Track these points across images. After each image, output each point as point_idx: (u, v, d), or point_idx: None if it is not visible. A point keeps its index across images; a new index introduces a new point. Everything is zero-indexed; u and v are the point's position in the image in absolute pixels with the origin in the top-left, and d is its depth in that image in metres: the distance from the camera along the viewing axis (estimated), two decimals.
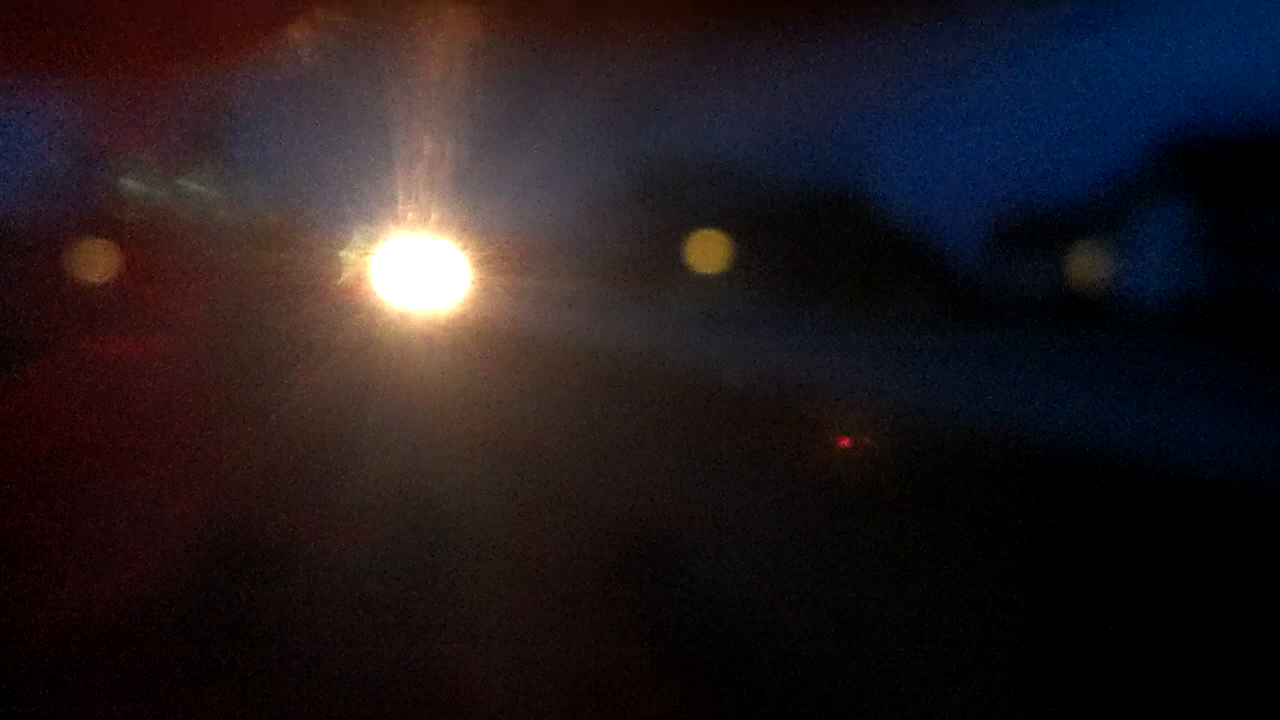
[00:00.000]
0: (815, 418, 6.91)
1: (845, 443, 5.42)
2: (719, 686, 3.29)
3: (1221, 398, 9.56)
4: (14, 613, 3.21)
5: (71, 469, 4.78)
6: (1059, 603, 3.65)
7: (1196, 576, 3.66)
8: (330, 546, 3.85)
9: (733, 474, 5.05)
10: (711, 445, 5.75)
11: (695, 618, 3.66)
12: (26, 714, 2.81)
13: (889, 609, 3.59)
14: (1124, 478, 4.94)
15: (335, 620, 3.10)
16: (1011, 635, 3.51)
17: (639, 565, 3.87)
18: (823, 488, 4.75)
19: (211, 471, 4.98)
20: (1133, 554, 4.05)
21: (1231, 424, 6.62)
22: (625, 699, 3.06)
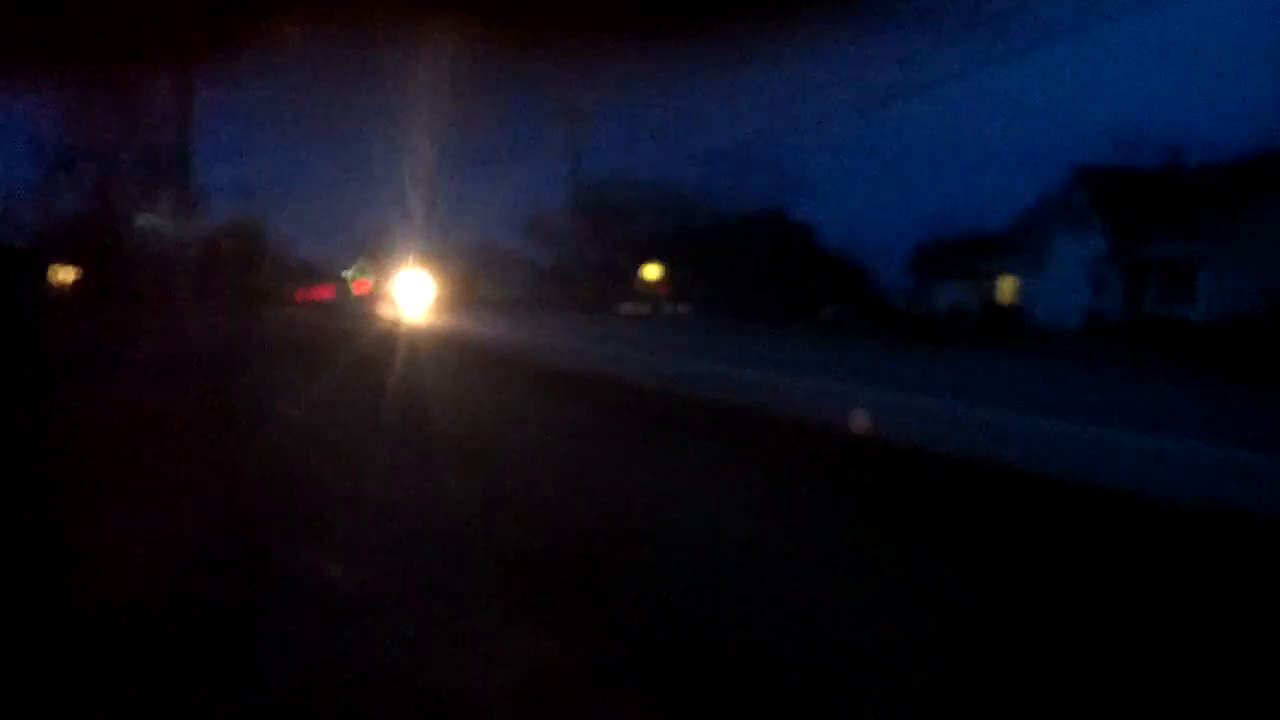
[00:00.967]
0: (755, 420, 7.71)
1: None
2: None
3: (1123, 412, 10.38)
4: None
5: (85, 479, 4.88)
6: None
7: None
8: (312, 545, 4.05)
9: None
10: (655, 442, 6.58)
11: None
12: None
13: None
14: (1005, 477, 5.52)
15: (315, 618, 3.26)
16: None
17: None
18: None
19: (208, 481, 5.13)
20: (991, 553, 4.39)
21: (1129, 436, 7.36)
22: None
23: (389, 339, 16.08)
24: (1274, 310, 22.62)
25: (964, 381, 12.41)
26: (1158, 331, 27.80)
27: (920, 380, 12.36)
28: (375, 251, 70.54)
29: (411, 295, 28.55)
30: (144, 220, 38.67)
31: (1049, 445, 7.20)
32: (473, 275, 40.37)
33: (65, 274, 43.23)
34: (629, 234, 54.66)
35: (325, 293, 69.58)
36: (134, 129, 39.58)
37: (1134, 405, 10.25)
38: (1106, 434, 7.84)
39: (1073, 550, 4.24)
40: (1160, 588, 3.71)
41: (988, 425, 8.32)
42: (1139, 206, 32.83)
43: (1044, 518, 4.82)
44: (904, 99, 27.66)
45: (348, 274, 68.23)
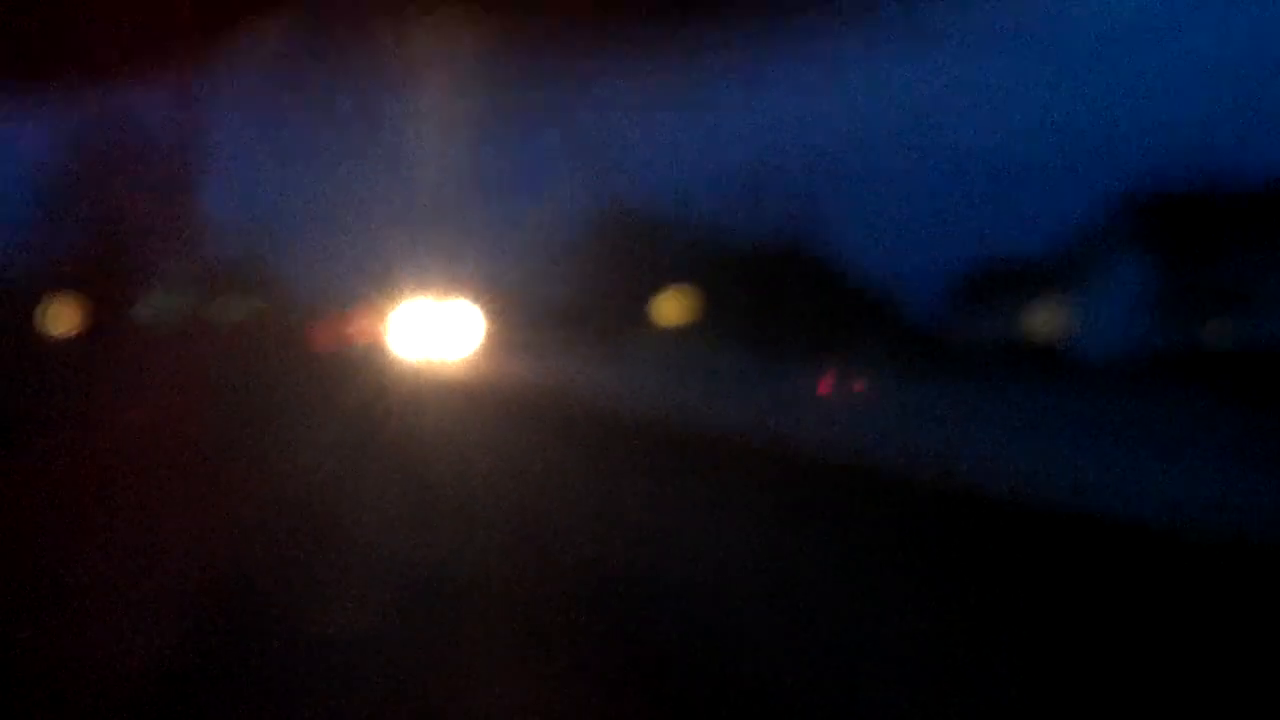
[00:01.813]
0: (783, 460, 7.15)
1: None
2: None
3: (1180, 444, 9.96)
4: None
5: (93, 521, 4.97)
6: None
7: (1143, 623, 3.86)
8: (331, 592, 3.96)
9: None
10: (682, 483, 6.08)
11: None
12: None
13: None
14: (1057, 517, 5.25)
15: (333, 661, 3.14)
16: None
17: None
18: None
19: (221, 524, 5.19)
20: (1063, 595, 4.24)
21: (1188, 470, 6.97)
22: None
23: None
24: None
25: (1003, 415, 12.44)
26: (1215, 363, 27.67)
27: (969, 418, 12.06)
28: (401, 284, 70.97)
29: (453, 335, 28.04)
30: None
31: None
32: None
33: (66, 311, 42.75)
34: (649, 261, 53.90)
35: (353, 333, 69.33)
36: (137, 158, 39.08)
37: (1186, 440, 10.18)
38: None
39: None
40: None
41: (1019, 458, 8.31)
42: (1192, 232, 32.39)
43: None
44: (937, 119, 26.80)
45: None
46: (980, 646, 3.57)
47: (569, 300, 55.01)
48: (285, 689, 3.05)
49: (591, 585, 4.20)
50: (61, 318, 43.82)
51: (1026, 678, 3.42)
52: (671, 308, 54.76)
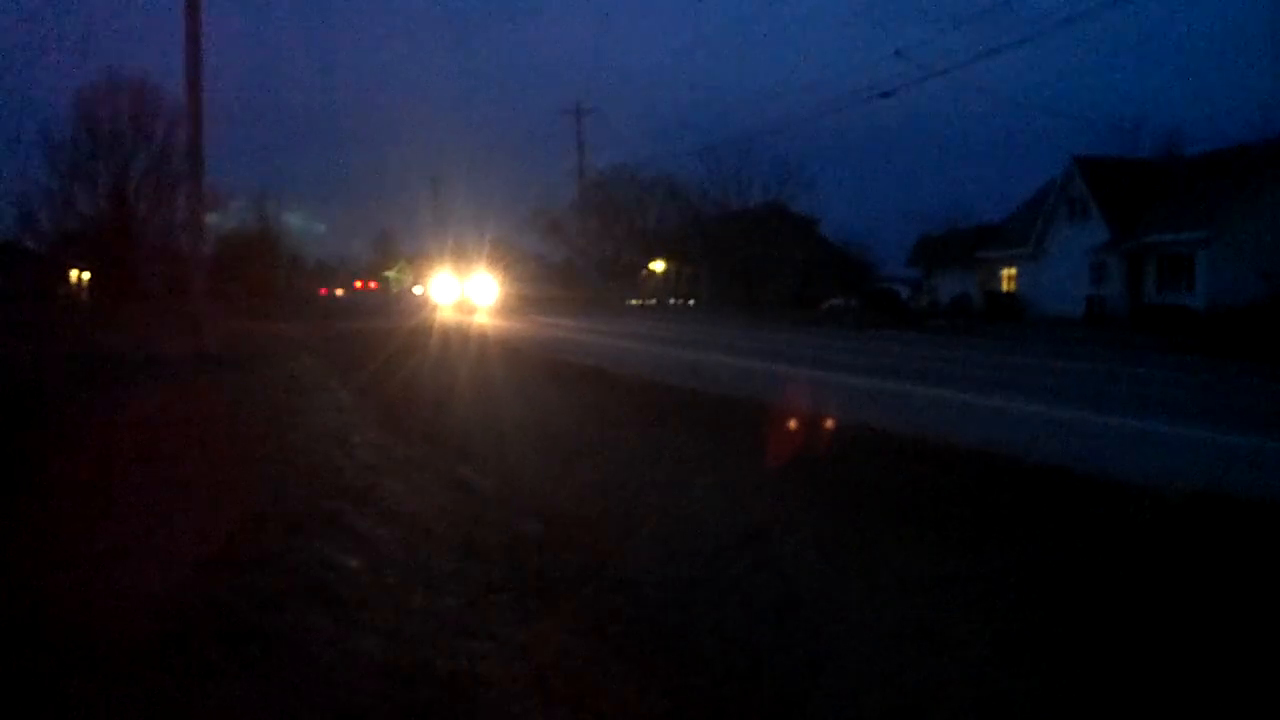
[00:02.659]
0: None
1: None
2: None
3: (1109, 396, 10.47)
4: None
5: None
6: None
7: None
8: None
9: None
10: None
11: None
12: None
13: None
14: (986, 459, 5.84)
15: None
16: None
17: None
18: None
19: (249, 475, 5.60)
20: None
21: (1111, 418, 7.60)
22: None
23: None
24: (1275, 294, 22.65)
25: (957, 369, 12.86)
26: (1157, 317, 28.12)
27: (914, 368, 12.86)
28: (401, 252, 72.48)
29: (470, 295, 29.86)
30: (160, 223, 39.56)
31: (1020, 428, 7.56)
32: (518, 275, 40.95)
33: (83, 276, 44.07)
34: (635, 228, 55.23)
35: (360, 286, 72.78)
36: (147, 128, 40.30)
37: (1121, 389, 10.64)
38: (1071, 416, 8.21)
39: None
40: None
41: (966, 408, 8.78)
42: (1137, 194, 33.14)
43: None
44: (903, 90, 28.03)
45: (390, 275, 70.30)
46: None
47: (563, 263, 55.57)
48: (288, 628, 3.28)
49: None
50: (84, 280, 44.26)
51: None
52: (657, 270, 55.47)
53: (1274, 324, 19.31)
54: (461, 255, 32.98)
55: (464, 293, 30.27)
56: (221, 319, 17.27)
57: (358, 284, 73.36)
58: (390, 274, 64.57)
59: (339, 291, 71.06)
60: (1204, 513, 4.55)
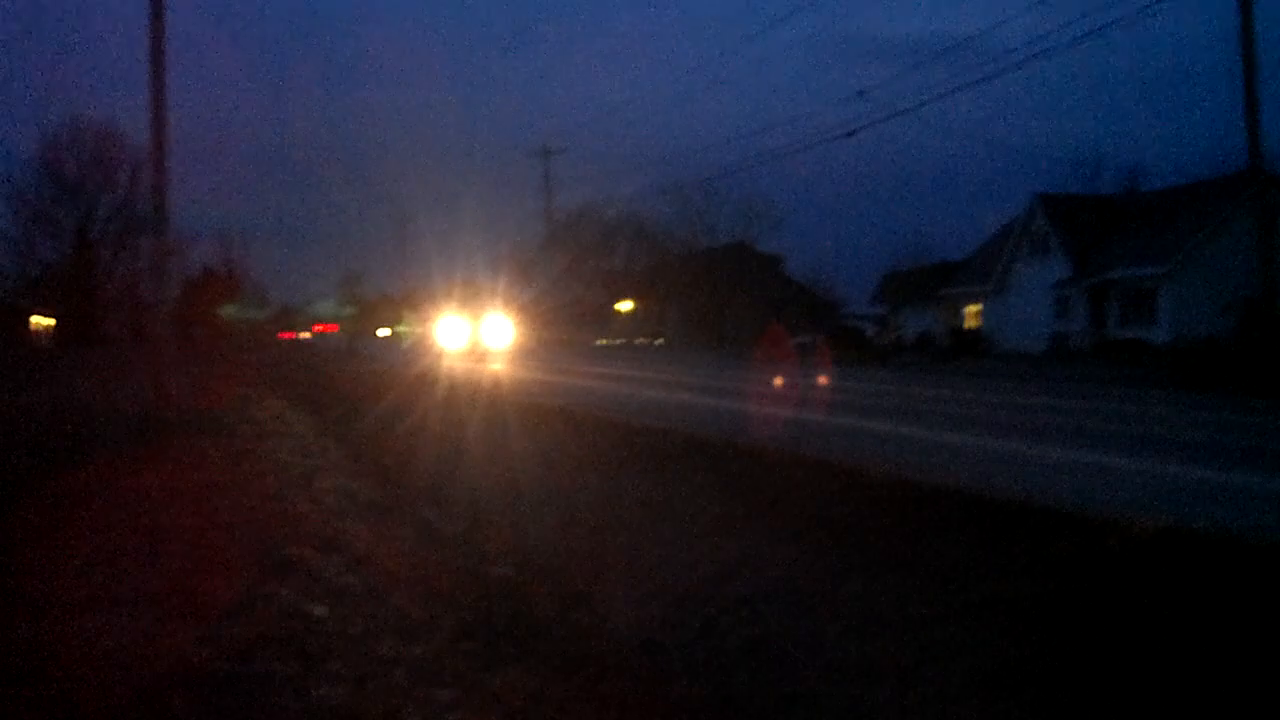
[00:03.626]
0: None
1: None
2: None
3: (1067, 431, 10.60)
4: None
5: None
6: None
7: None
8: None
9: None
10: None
11: None
12: None
13: None
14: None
15: None
16: None
17: None
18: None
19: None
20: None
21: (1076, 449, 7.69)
22: None
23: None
24: (1245, 326, 22.88)
25: (911, 406, 12.97)
26: (1120, 351, 28.51)
27: (881, 405, 12.97)
28: (367, 294, 72.20)
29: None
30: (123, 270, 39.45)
31: (978, 463, 7.59)
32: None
33: (44, 322, 43.70)
34: (603, 268, 55.42)
35: (318, 329, 72.59)
36: (111, 173, 40.19)
37: (1082, 425, 10.75)
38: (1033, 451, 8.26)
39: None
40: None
41: (920, 443, 8.81)
42: (1099, 230, 33.63)
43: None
44: (866, 130, 28.43)
45: (401, 329, 68.36)
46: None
47: (532, 303, 55.50)
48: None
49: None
50: (45, 326, 43.83)
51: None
52: (625, 310, 55.58)
53: (1238, 357, 19.60)
54: (453, 296, 32.60)
55: (474, 335, 29.29)
56: (185, 367, 17.12)
57: (316, 327, 72.81)
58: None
59: (304, 335, 70.64)
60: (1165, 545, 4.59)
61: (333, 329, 72.54)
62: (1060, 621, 3.60)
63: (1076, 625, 3.56)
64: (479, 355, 27.03)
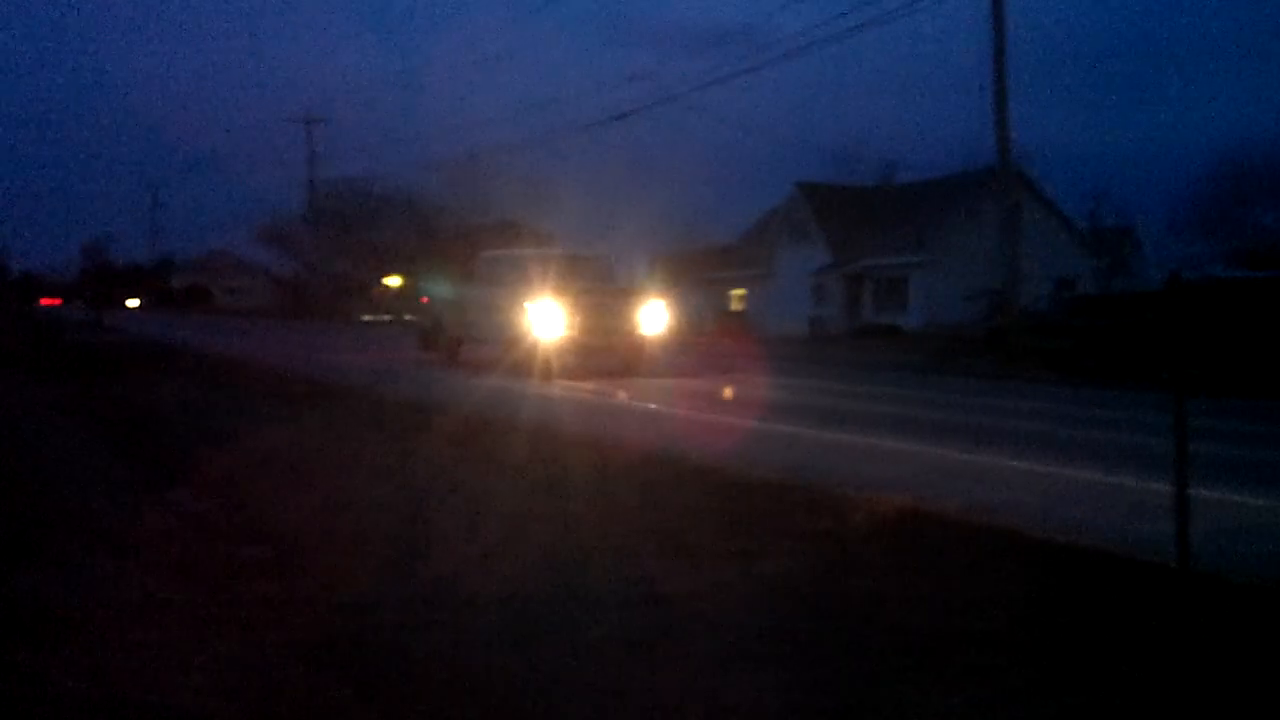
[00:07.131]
0: None
1: None
2: None
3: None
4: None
5: None
6: None
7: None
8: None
9: None
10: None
11: None
12: None
13: None
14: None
15: None
16: None
17: None
18: None
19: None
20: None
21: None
22: None
23: None
24: (989, 313, 24.09)
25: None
26: (873, 335, 29.63)
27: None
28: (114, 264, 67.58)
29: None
30: None
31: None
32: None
33: None
34: (369, 242, 53.79)
35: (44, 303, 67.29)
36: None
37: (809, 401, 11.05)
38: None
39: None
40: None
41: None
42: (856, 219, 34.82)
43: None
44: (638, 114, 28.42)
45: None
46: None
47: (293, 277, 53.00)
48: None
49: None
50: None
51: None
52: (392, 285, 54.10)
53: (981, 343, 20.66)
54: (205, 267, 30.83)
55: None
56: None
57: (43, 300, 66.92)
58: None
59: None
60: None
61: (57, 302, 67.05)
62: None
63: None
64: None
